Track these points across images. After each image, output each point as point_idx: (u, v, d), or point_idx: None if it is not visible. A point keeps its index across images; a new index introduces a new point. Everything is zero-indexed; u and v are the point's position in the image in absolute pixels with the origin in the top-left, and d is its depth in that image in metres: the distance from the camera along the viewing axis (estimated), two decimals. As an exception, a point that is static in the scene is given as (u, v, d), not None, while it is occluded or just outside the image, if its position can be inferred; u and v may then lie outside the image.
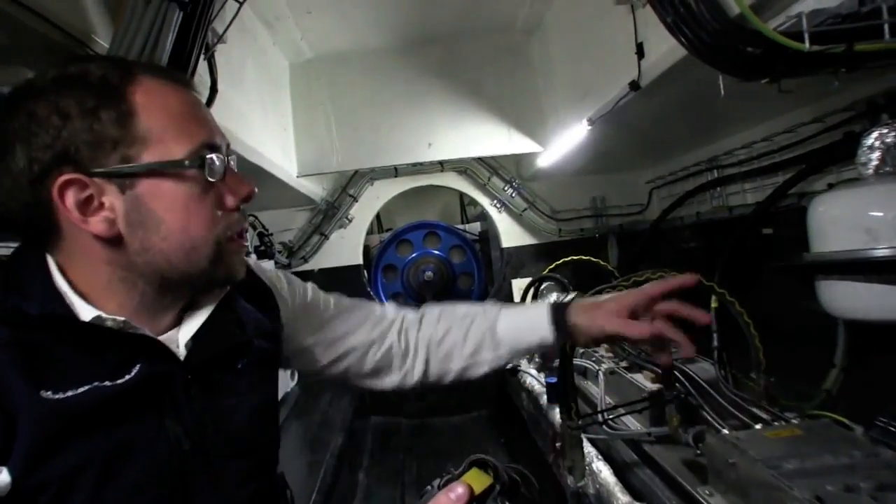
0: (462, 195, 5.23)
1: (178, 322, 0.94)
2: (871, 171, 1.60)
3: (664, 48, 1.83)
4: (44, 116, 0.77)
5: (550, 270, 3.79)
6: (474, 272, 5.27)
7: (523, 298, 3.72)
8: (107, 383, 0.79)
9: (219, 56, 2.02)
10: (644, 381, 2.05)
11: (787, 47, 1.38)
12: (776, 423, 1.61)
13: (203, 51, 1.77)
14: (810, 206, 1.77)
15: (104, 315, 0.81)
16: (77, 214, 0.79)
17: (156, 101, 0.83)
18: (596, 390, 2.32)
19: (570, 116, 2.99)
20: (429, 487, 0.85)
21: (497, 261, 4.92)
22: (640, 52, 2.01)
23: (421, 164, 4.13)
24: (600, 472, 1.81)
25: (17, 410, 0.73)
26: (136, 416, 0.82)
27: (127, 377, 0.80)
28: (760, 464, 1.25)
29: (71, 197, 0.78)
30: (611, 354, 2.54)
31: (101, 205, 0.80)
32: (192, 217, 0.85)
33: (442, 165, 4.43)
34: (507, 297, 4.50)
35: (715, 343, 2.16)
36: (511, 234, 4.60)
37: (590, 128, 2.68)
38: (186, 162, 0.83)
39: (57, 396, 0.75)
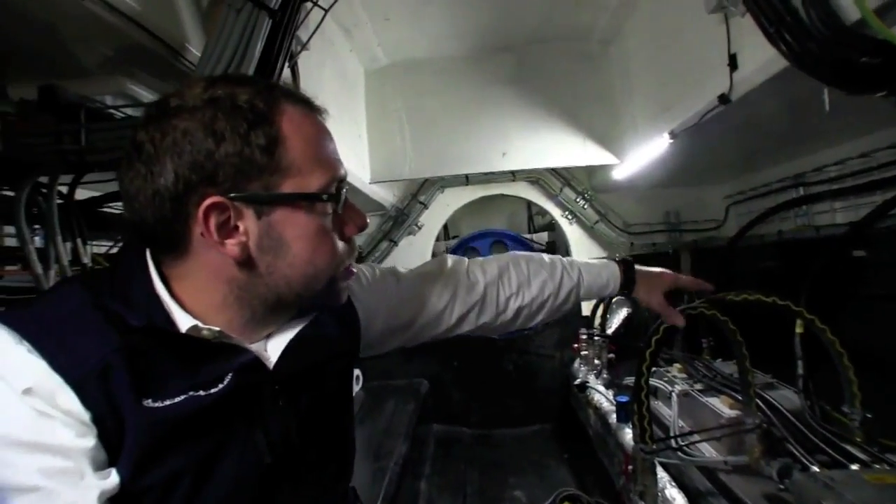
0: (530, 204, 5.17)
1: (269, 334, 0.97)
2: None
3: (761, 59, 1.73)
4: (198, 137, 0.79)
5: (621, 285, 3.69)
6: (541, 283, 5.20)
7: (593, 313, 3.65)
8: (201, 393, 0.81)
9: (299, 63, 2.05)
10: (721, 406, 1.97)
11: None
12: (876, 466, 1.50)
13: (287, 59, 1.81)
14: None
15: (200, 325, 0.83)
16: (216, 236, 0.81)
17: (299, 130, 0.86)
18: (667, 412, 2.25)
19: (650, 129, 2.90)
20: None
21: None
22: (733, 63, 1.91)
23: (493, 173, 4.11)
24: (674, 499, 1.74)
25: (125, 416, 0.76)
26: (226, 426, 0.85)
27: (220, 386, 0.83)
28: None
29: (214, 219, 0.80)
30: (684, 375, 2.45)
31: (237, 228, 0.83)
32: (318, 247, 0.88)
33: (514, 175, 4.40)
34: (575, 311, 4.38)
35: (800, 371, 2.04)
36: (581, 246, 4.52)
37: (671, 141, 2.59)
38: (324, 196, 0.87)
39: (157, 405, 0.78)
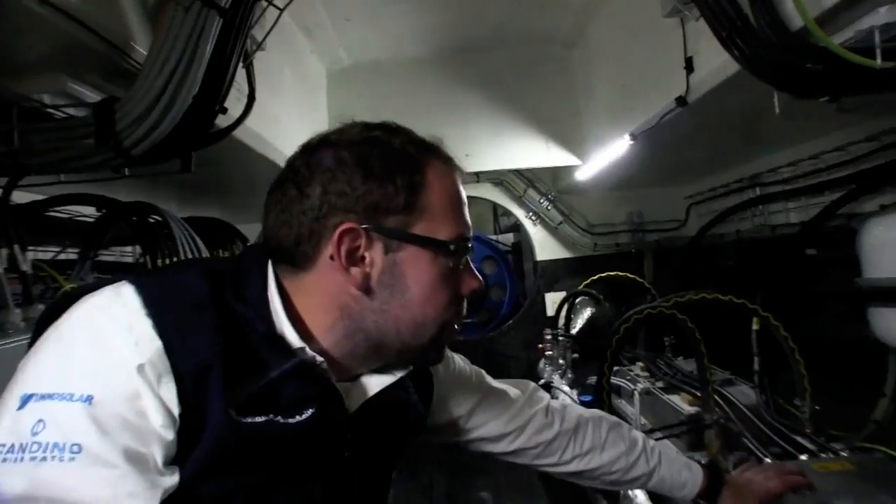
0: (495, 205, 5.20)
1: (354, 378, 0.97)
2: (931, 195, 1.54)
3: (715, 63, 1.78)
4: (350, 167, 0.83)
5: (585, 285, 3.73)
6: (506, 284, 5.24)
7: (557, 313, 3.66)
8: (279, 419, 0.81)
9: (256, 62, 2.03)
10: (681, 404, 2.00)
11: (855, 64, 1.30)
12: (823, 455, 1.55)
13: (242, 58, 1.79)
14: (864, 228, 1.70)
15: (308, 349, 0.84)
16: (344, 261, 0.84)
17: (440, 181, 0.89)
18: (631, 410, 2.27)
19: (612, 130, 2.95)
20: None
21: (530, 274, 4.88)
22: (690, 66, 1.96)
23: (457, 174, 4.11)
24: (636, 496, 1.76)
25: (208, 422, 0.75)
26: (292, 461, 0.84)
27: (299, 417, 0.83)
28: (809, 499, 1.20)
29: (346, 244, 0.83)
30: (647, 374, 2.48)
31: (363, 258, 0.85)
32: (434, 295, 0.89)
33: (478, 176, 4.41)
34: (540, 311, 4.46)
35: (756, 367, 2.09)
36: (546, 247, 4.55)
37: (632, 142, 2.63)
38: (452, 246, 0.89)
39: (240, 419, 0.77)
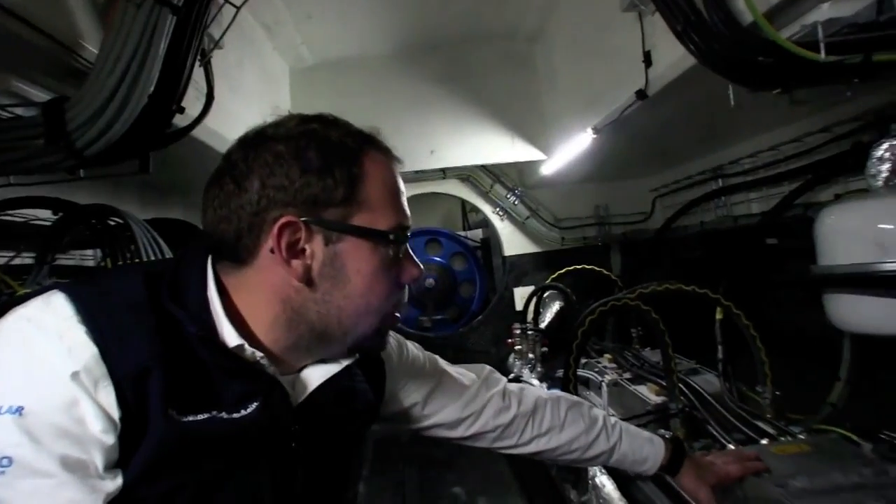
0: (464, 202, 5.20)
1: (299, 369, 0.98)
2: (880, 183, 1.57)
3: (673, 57, 1.81)
4: (288, 160, 0.84)
5: (553, 279, 3.76)
6: (476, 280, 5.25)
7: (526, 307, 3.68)
8: (223, 415, 0.81)
9: (216, 60, 2.00)
10: (648, 394, 2.03)
11: (802, 57, 1.33)
12: (783, 439, 1.59)
13: (199, 56, 1.76)
14: (818, 217, 1.74)
15: (246, 346, 0.84)
16: (285, 254, 0.84)
17: (379, 172, 0.91)
18: (599, 401, 2.29)
19: (575, 124, 2.97)
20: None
21: (499, 269, 4.90)
22: (648, 60, 1.99)
23: (423, 171, 4.11)
24: (604, 486, 1.78)
25: (150, 424, 0.75)
26: (235, 457, 0.85)
27: (243, 412, 0.84)
28: (768, 481, 1.23)
29: (286, 237, 0.84)
30: (614, 365, 2.51)
31: (304, 250, 0.86)
32: (375, 285, 0.91)
33: (444, 172, 4.41)
34: (508, 305, 4.48)
35: (720, 355, 2.13)
36: (513, 243, 4.57)
37: (595, 136, 2.66)
38: (391, 235, 0.90)
39: (181, 418, 0.77)
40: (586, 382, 2.54)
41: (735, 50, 1.47)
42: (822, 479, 1.20)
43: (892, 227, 1.50)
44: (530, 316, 3.65)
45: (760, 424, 1.72)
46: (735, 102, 1.73)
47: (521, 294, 4.40)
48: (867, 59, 1.33)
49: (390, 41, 3.61)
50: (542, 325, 3.74)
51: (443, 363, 1.34)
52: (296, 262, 0.86)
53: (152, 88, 1.52)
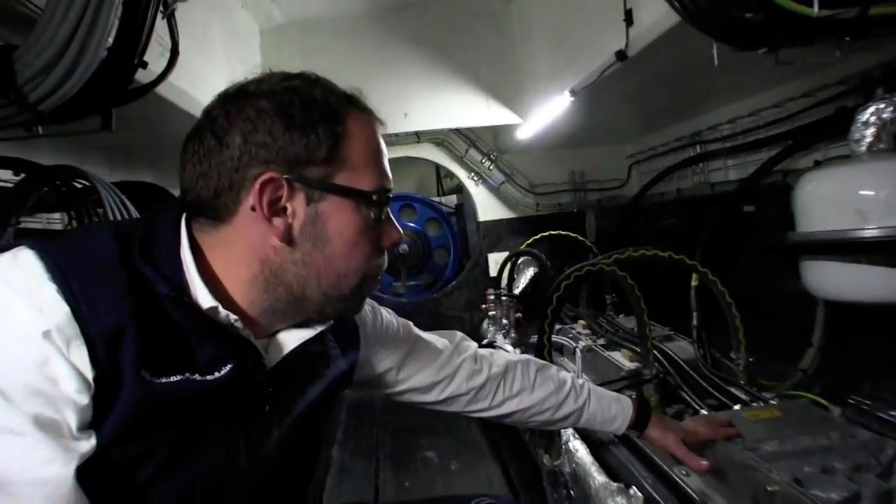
0: (438, 167, 5.14)
1: (273, 333, 0.96)
2: (864, 149, 1.55)
3: (655, 15, 1.75)
4: (271, 116, 0.82)
5: (528, 245, 3.74)
6: (450, 245, 5.22)
7: (500, 274, 3.67)
8: (196, 377, 0.80)
9: (181, 17, 1.91)
10: (622, 360, 2.02)
11: (792, 12, 1.28)
12: (755, 404, 1.60)
13: (161, 8, 1.68)
14: (798, 183, 1.72)
15: (220, 308, 0.82)
16: (266, 211, 0.82)
17: (362, 132, 0.90)
18: (573, 367, 2.28)
19: (552, 87, 2.90)
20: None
21: (473, 234, 4.87)
22: (629, 19, 1.92)
23: (396, 134, 4.03)
24: (577, 450, 1.78)
25: (124, 385, 0.73)
26: (210, 419, 0.84)
27: (217, 374, 0.82)
28: (739, 445, 1.24)
29: (268, 194, 0.82)
30: (588, 331, 2.50)
31: (285, 209, 0.84)
32: (356, 247, 0.90)
33: (418, 136, 4.33)
34: (483, 271, 4.46)
35: (694, 322, 2.14)
36: (488, 208, 4.53)
37: (572, 99, 2.60)
38: (374, 196, 0.89)
39: (154, 380, 0.75)
40: (560, 349, 2.53)
41: (722, 6, 1.42)
42: (792, 443, 1.22)
43: (872, 193, 1.49)
44: (504, 282, 3.63)
45: (733, 390, 1.72)
46: (718, 64, 1.68)
47: (495, 260, 4.37)
48: (863, 13, 1.28)
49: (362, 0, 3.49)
50: (517, 291, 3.73)
51: (416, 329, 1.35)
52: (277, 221, 0.84)
53: (111, 40, 1.43)
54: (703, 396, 1.74)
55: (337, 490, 2.93)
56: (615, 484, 1.45)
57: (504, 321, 3.46)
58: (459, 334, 1.42)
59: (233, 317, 0.83)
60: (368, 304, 1.24)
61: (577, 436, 1.85)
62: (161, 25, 1.73)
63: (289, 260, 0.87)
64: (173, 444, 0.80)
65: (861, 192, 1.52)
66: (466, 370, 1.34)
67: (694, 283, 2.15)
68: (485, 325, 3.83)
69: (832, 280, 1.65)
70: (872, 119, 1.53)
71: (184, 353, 0.80)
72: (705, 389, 1.76)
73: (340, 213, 0.87)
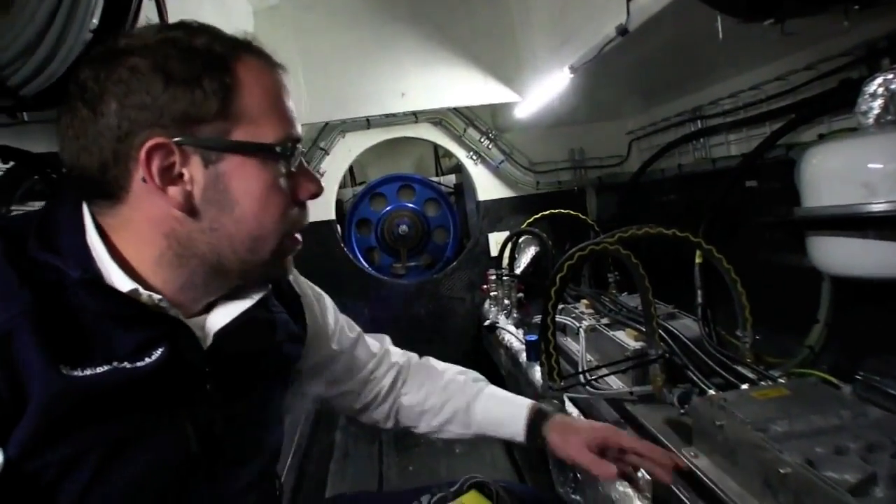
0: (437, 147, 5.09)
1: (208, 308, 0.91)
2: (871, 121, 1.52)
3: (658, -14, 1.70)
4: (147, 74, 0.74)
5: (528, 224, 3.72)
6: (450, 225, 5.20)
7: (501, 253, 3.65)
8: (126, 365, 0.75)
9: (171, -1, 1.86)
10: (626, 339, 2.01)
11: None
12: (762, 383, 1.58)
13: (151, -12, 1.63)
14: (803, 158, 1.69)
15: (141, 289, 0.77)
16: (158, 181, 0.76)
17: (256, 80, 0.83)
18: (576, 347, 2.27)
19: (551, 63, 2.86)
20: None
21: (473, 214, 4.84)
22: (630, -8, 1.88)
23: (394, 115, 3.99)
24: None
25: (31, 386, 0.68)
26: (148, 407, 0.79)
27: (148, 360, 0.77)
28: (749, 426, 1.21)
29: (157, 162, 0.76)
30: (591, 311, 2.48)
31: (181, 175, 0.78)
32: (267, 205, 0.85)
33: (416, 116, 4.28)
34: (483, 251, 4.43)
35: (699, 300, 2.12)
36: (488, 187, 4.48)
37: (571, 76, 2.56)
38: (278, 148, 0.83)
39: (75, 374, 0.70)
40: (563, 328, 2.52)
41: None
42: (803, 423, 1.20)
43: (881, 166, 1.45)
44: (505, 262, 3.62)
45: (740, 369, 1.71)
46: (722, 37, 1.64)
47: (495, 240, 4.35)
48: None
49: (358, -23, 3.42)
50: (518, 271, 3.72)
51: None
52: (173, 190, 0.78)
53: (95, 21, 1.38)
54: (710, 375, 1.73)
55: (341, 475, 2.94)
56: (623, 466, 1.44)
57: (506, 301, 3.45)
58: (387, 342, 1.46)
59: (156, 297, 0.79)
60: (312, 287, 1.26)
61: (583, 417, 1.84)
62: (149, 6, 1.68)
63: (196, 229, 0.81)
64: (111, 443, 0.75)
65: (869, 166, 1.48)
66: (383, 370, 1.38)
67: (698, 260, 2.13)
68: (486, 305, 3.82)
69: (840, 255, 1.62)
70: (880, 90, 1.49)
71: (107, 342, 0.75)
72: (712, 368, 1.75)
73: (244, 171, 0.82)
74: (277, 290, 1.07)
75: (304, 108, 3.50)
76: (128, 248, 0.81)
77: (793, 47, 2.15)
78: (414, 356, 1.49)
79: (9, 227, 0.77)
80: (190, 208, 0.80)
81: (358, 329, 1.39)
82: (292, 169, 0.87)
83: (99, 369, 0.73)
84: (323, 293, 1.30)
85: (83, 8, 1.32)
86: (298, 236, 0.95)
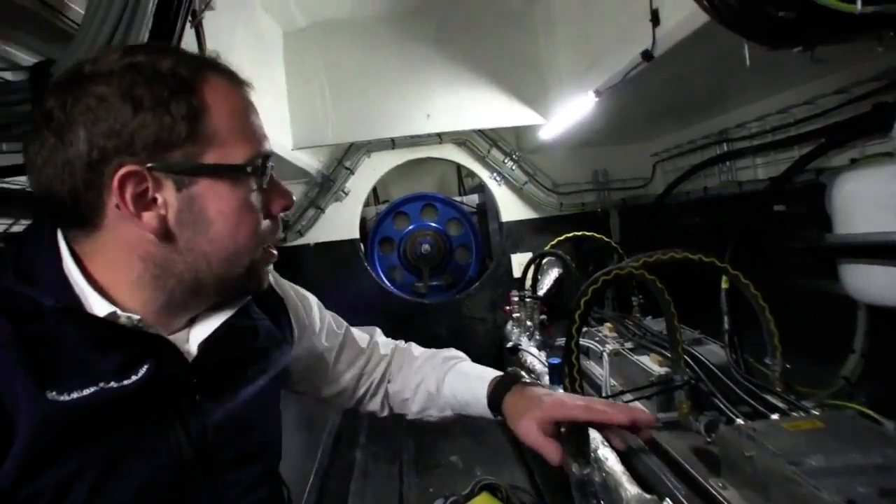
0: (459, 166, 5.11)
1: (190, 322, 0.92)
2: (908, 146, 1.50)
3: (682, 14, 1.70)
4: (115, 102, 0.74)
5: (552, 246, 3.70)
6: (472, 245, 5.20)
7: (524, 274, 3.63)
8: (112, 385, 0.75)
9: (207, 23, 1.92)
10: (651, 364, 1.97)
11: (832, 9, 1.20)
12: (794, 414, 1.53)
13: (189, 18, 1.67)
14: (835, 183, 1.67)
15: (119, 312, 0.78)
16: (132, 208, 0.77)
17: (223, 101, 0.83)
18: (599, 372, 2.25)
19: (575, 87, 2.86)
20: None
21: (496, 234, 4.84)
22: (655, 18, 1.87)
23: (419, 135, 4.01)
24: (607, 459, 1.74)
25: (18, 414, 0.68)
26: (139, 421, 0.79)
27: (134, 378, 0.78)
28: (781, 459, 1.16)
29: (130, 189, 0.76)
30: (615, 334, 2.46)
31: (155, 200, 0.78)
32: (241, 223, 0.85)
33: (440, 137, 4.31)
34: (506, 272, 4.42)
35: (726, 326, 2.08)
36: (511, 208, 4.48)
37: (596, 100, 2.56)
38: (249, 168, 0.83)
39: (63, 398, 0.71)
40: (586, 352, 2.49)
41: (753, 5, 1.35)
42: (840, 459, 1.13)
43: (919, 193, 1.43)
44: (528, 283, 3.60)
45: (769, 398, 1.67)
46: (749, 63, 1.63)
47: (518, 260, 4.35)
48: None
49: (384, 1, 3.47)
50: (541, 293, 3.69)
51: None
52: (148, 215, 0.79)
53: (145, 47, 1.43)
54: (737, 404, 1.69)
55: (361, 494, 2.92)
56: (648, 495, 1.40)
57: (528, 323, 3.43)
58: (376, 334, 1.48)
59: (135, 317, 0.80)
60: (294, 289, 1.27)
61: (606, 443, 1.81)
62: (189, 33, 1.73)
63: (172, 251, 0.82)
64: (105, 460, 0.75)
65: (906, 192, 1.46)
66: (374, 362, 1.39)
67: (724, 285, 2.09)
68: (509, 326, 3.80)
69: (875, 284, 1.59)
70: (917, 115, 1.47)
71: (90, 365, 0.75)
72: (739, 396, 1.71)
73: (217, 192, 0.82)
74: (259, 297, 1.07)
75: (331, 128, 3.54)
76: (105, 273, 0.82)
77: (822, 71, 2.13)
78: (400, 343, 1.50)
79: None
80: (164, 232, 0.81)
81: (345, 324, 1.40)
82: (264, 186, 0.88)
83: (86, 391, 0.73)
84: (308, 294, 1.31)
85: (133, 38, 1.37)
86: (274, 250, 0.95)
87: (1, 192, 1.68)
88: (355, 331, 1.43)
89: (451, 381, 1.32)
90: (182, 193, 0.80)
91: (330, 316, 1.37)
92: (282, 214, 0.95)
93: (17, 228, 1.88)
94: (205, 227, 0.82)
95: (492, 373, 1.31)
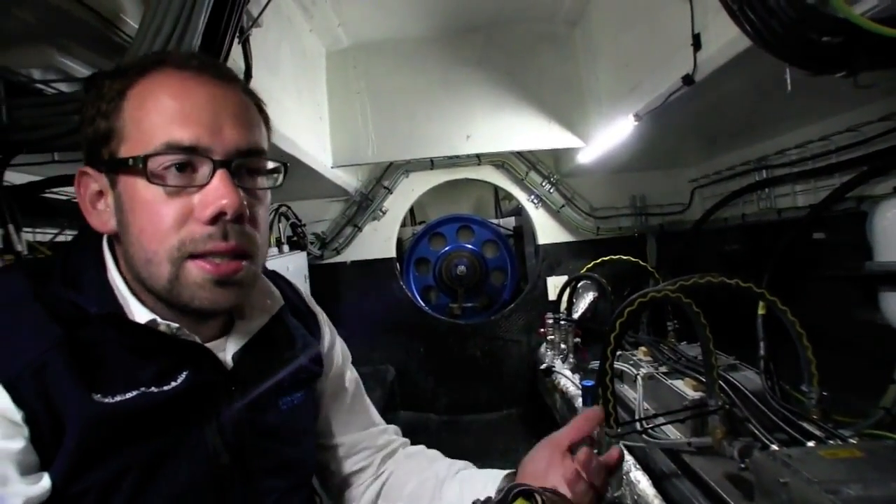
0: (497, 189, 5.15)
1: (227, 327, 0.94)
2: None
3: (724, 39, 1.72)
4: (90, 107, 0.81)
5: (588, 269, 3.70)
6: (507, 268, 5.21)
7: (559, 298, 3.64)
8: (153, 389, 0.78)
9: (254, 40, 1.99)
10: (685, 389, 1.97)
11: (878, 35, 1.19)
12: (831, 442, 1.51)
13: (237, 34, 1.74)
14: (877, 211, 1.65)
15: (159, 319, 0.80)
16: (89, 206, 0.82)
17: (140, 93, 0.79)
18: (633, 395, 2.24)
19: (615, 111, 2.89)
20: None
21: (531, 257, 4.85)
22: (697, 43, 1.89)
23: (458, 157, 4.07)
24: (639, 482, 1.74)
25: (67, 415, 0.71)
26: (178, 425, 0.81)
27: (173, 384, 0.80)
28: (817, 487, 1.14)
29: (84, 189, 0.82)
30: (649, 358, 2.45)
31: (104, 198, 0.82)
32: (150, 225, 0.77)
33: (479, 159, 4.37)
34: (541, 295, 4.43)
35: (761, 352, 2.06)
36: (547, 231, 4.51)
37: (636, 123, 2.58)
38: (130, 161, 0.77)
39: (107, 400, 0.73)
40: (620, 375, 2.48)
41: (797, 30, 1.34)
42: (880, 489, 1.10)
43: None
44: (563, 306, 3.60)
45: (806, 425, 1.65)
46: (791, 88, 1.63)
47: (554, 283, 4.35)
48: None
49: (427, 22, 3.54)
50: (576, 316, 3.69)
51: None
52: (94, 213, 0.83)
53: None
54: (772, 430, 1.67)
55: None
56: (680, 519, 1.40)
57: (562, 345, 3.43)
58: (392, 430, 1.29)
59: (174, 325, 0.81)
60: (327, 320, 1.21)
61: (638, 466, 1.81)
62: (236, 49, 1.79)
63: (127, 254, 0.82)
64: (146, 462, 0.77)
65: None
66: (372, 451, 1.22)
67: (761, 311, 2.07)
68: (543, 348, 3.80)
69: (917, 313, 1.56)
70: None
71: (131, 370, 0.77)
72: (774, 423, 1.69)
73: (133, 188, 0.78)
74: (293, 307, 1.08)
75: (371, 147, 3.61)
76: (128, 277, 0.84)
77: (866, 98, 2.11)
78: (407, 442, 1.31)
79: (36, 268, 0.81)
80: (114, 232, 0.82)
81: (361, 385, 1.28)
82: (172, 182, 0.77)
83: (128, 395, 0.75)
84: (335, 332, 1.23)
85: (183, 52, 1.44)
86: (211, 262, 0.79)
87: (48, 203, 1.76)
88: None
89: (457, 483, 1.15)
90: (115, 191, 0.80)
91: (349, 360, 1.26)
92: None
93: (62, 238, 1.96)
94: (127, 227, 0.80)
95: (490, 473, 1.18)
